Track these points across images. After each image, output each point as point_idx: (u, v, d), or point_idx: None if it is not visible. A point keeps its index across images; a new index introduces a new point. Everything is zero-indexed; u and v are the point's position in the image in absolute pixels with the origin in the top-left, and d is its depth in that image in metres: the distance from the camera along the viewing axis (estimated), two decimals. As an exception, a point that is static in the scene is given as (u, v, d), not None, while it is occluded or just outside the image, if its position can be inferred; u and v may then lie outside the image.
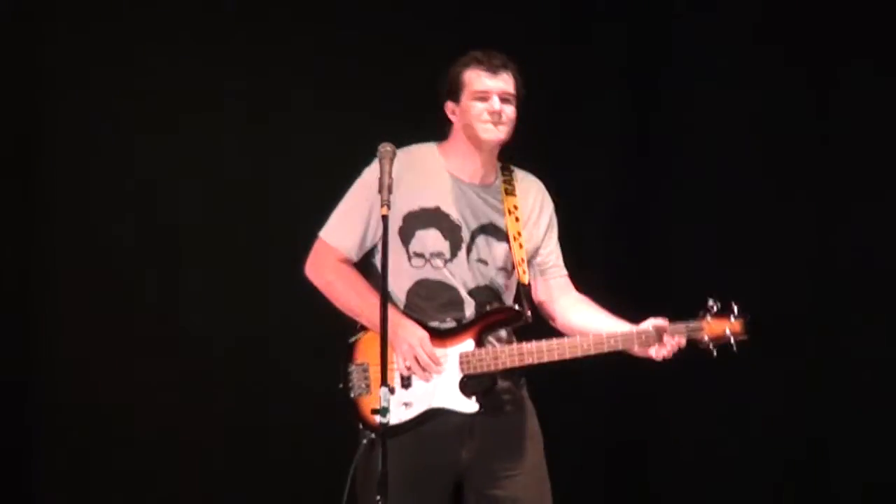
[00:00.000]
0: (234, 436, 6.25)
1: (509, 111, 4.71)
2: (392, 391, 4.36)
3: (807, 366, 6.29)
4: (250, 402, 6.25)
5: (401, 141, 4.59)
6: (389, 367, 4.50)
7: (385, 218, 4.36)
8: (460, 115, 4.75)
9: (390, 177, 4.41)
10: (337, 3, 6.32)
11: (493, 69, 4.70)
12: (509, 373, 4.70)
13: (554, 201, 4.95)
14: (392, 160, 4.45)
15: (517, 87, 4.74)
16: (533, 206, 4.84)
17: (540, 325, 4.77)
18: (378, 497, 4.24)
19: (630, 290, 5.13)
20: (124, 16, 6.19)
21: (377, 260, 4.76)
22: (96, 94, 6.15)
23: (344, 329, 4.81)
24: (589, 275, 4.97)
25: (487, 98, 4.70)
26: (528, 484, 4.72)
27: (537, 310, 4.81)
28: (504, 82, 4.71)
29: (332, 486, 6.14)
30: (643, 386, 6.23)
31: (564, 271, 4.89)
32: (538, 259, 4.85)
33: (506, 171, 4.84)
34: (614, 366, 4.91)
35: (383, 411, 4.23)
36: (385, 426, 4.25)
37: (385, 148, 4.47)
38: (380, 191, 4.39)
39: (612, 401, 6.46)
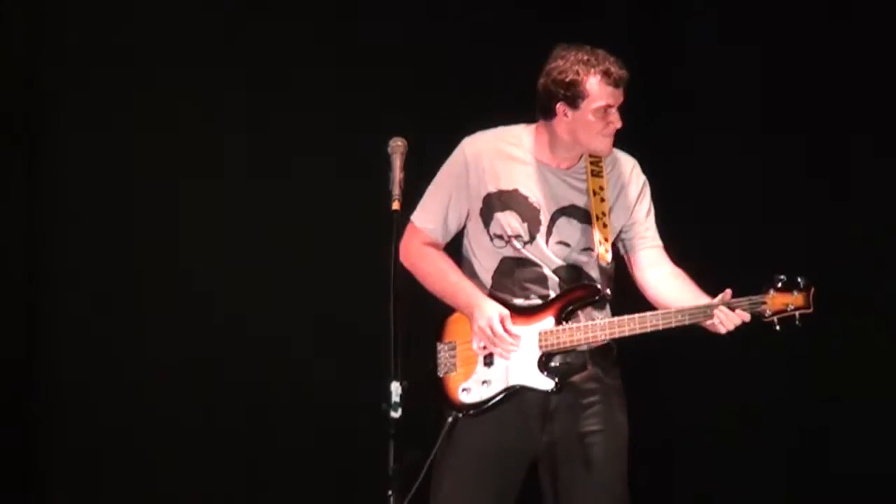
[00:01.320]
0: (235, 436, 6.25)
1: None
2: (463, 375, 4.47)
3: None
4: (252, 402, 6.25)
5: (413, 134, 4.59)
6: (467, 346, 4.66)
7: (396, 213, 4.36)
8: (574, 122, 4.70)
9: (402, 172, 4.41)
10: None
11: (617, 83, 4.68)
12: (600, 359, 4.72)
13: None
14: (403, 155, 4.44)
15: None
16: (619, 181, 4.81)
17: (635, 302, 4.75)
18: (390, 492, 4.22)
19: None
20: (126, 15, 6.20)
21: (466, 242, 4.81)
22: (99, 94, 6.16)
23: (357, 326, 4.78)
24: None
25: (610, 111, 4.69)
26: (599, 477, 4.69)
27: (635, 284, 4.82)
28: (621, 96, 4.70)
29: (333, 487, 6.19)
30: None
31: (657, 241, 4.85)
32: (626, 234, 4.84)
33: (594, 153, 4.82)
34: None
35: (395, 406, 4.21)
36: (396, 421, 4.22)
37: (396, 143, 4.47)
38: (390, 186, 4.39)
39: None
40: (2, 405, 6.10)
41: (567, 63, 4.67)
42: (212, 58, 6.26)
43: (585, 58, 4.66)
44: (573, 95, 4.66)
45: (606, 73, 4.65)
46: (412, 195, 4.65)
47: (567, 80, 4.66)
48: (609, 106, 4.67)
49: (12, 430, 6.11)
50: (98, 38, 6.21)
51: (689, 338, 4.74)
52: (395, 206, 4.36)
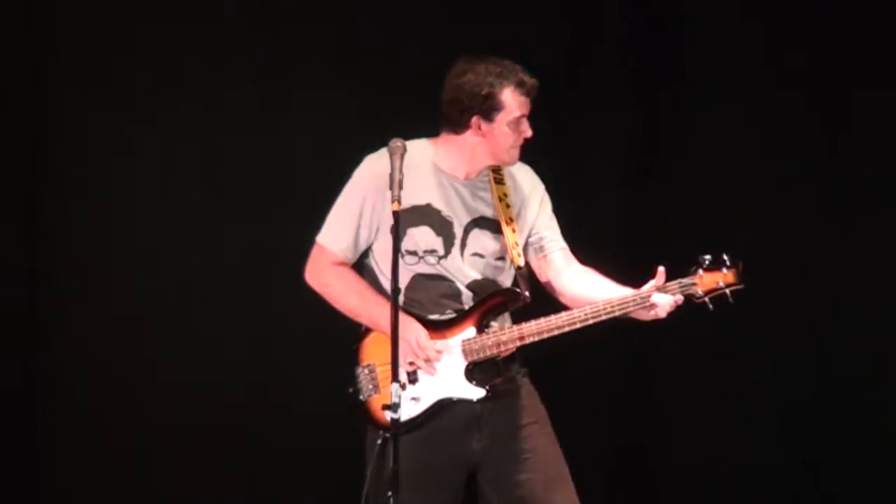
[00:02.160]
0: (236, 436, 6.24)
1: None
2: (403, 387, 4.34)
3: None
4: (253, 403, 6.25)
5: (412, 134, 4.59)
6: (387, 366, 4.49)
7: (396, 214, 4.35)
8: (487, 134, 4.68)
9: (400, 172, 4.39)
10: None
11: (529, 93, 4.67)
12: (509, 363, 4.70)
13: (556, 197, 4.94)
14: (402, 156, 4.43)
15: None
16: (522, 187, 4.80)
17: (547, 306, 4.72)
18: (389, 493, 4.23)
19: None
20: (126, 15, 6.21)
21: (371, 259, 4.76)
22: (100, 94, 6.16)
23: (345, 331, 4.78)
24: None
25: (522, 122, 4.68)
26: (544, 463, 4.69)
27: (544, 290, 4.79)
28: (532, 103, 4.69)
29: (335, 488, 6.18)
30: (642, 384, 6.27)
31: (562, 244, 4.84)
32: (533, 237, 4.81)
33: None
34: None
35: (394, 407, 4.22)
36: (396, 422, 4.24)
37: (395, 143, 4.45)
38: (391, 187, 4.38)
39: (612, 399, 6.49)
40: (2, 406, 6.11)
41: (479, 76, 4.64)
42: (215, 58, 6.26)
43: (498, 69, 4.64)
44: (489, 108, 4.63)
45: (520, 84, 4.64)
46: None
47: (483, 93, 4.62)
48: (522, 116, 4.66)
49: (12, 431, 6.11)
50: (101, 36, 6.21)
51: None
52: (395, 206, 4.35)
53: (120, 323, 6.20)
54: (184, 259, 6.25)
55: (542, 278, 4.82)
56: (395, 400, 4.22)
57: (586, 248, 4.89)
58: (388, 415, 4.23)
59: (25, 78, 6.15)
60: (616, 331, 4.78)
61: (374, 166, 4.68)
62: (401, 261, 4.64)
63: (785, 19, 6.37)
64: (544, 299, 4.76)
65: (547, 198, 4.85)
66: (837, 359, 6.37)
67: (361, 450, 4.69)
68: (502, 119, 4.65)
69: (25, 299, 6.15)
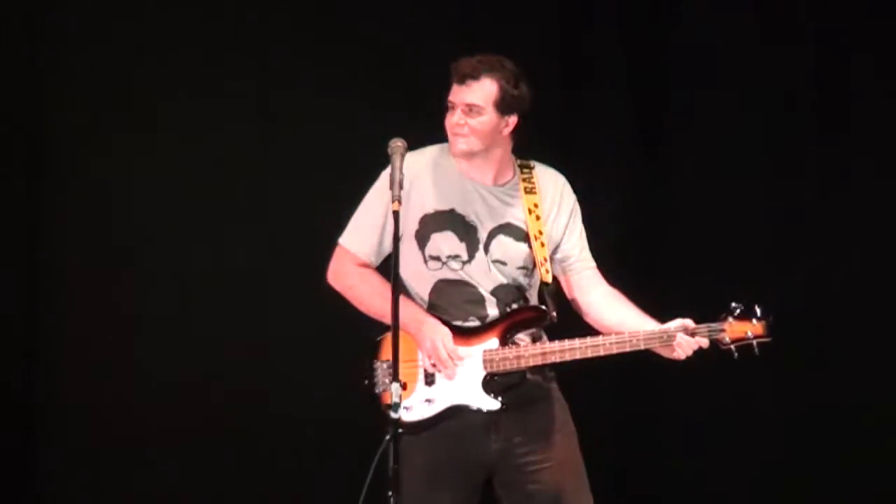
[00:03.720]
0: (236, 437, 6.24)
1: (474, 122, 4.62)
2: (404, 387, 4.33)
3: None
4: (253, 404, 6.25)
5: (411, 139, 4.58)
6: (413, 364, 4.57)
7: (396, 214, 4.35)
8: None
9: (401, 172, 4.39)
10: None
11: (461, 79, 4.63)
12: (537, 367, 4.67)
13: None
14: (403, 155, 4.43)
15: (494, 95, 4.63)
16: (553, 200, 4.76)
17: (572, 321, 4.73)
18: (390, 493, 4.23)
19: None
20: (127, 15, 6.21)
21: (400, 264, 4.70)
22: (101, 95, 6.16)
23: (360, 328, 4.78)
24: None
25: (453, 109, 4.65)
26: (561, 475, 4.67)
27: (570, 306, 4.78)
28: (470, 92, 4.63)
29: (335, 488, 6.17)
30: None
31: (591, 263, 4.81)
32: (560, 255, 4.78)
33: (525, 169, 4.77)
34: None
35: (395, 407, 4.23)
36: (396, 422, 4.24)
37: (396, 143, 4.45)
38: (391, 187, 4.38)
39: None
40: (2, 408, 6.11)
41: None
42: (215, 57, 6.26)
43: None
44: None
45: (454, 70, 4.65)
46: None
47: None
48: (452, 103, 4.65)
49: (12, 431, 6.12)
50: (102, 35, 6.22)
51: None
52: (395, 206, 4.35)
53: (120, 323, 6.20)
54: (184, 259, 6.25)
55: (569, 295, 4.80)
56: (395, 400, 4.23)
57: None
58: (390, 414, 4.24)
59: (25, 77, 6.15)
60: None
61: (406, 171, 4.57)
62: (423, 267, 4.67)
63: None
64: (571, 315, 4.77)
65: (578, 212, 4.81)
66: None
67: (366, 451, 4.68)
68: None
69: (25, 299, 6.15)
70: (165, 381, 6.19)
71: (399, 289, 4.41)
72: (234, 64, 6.28)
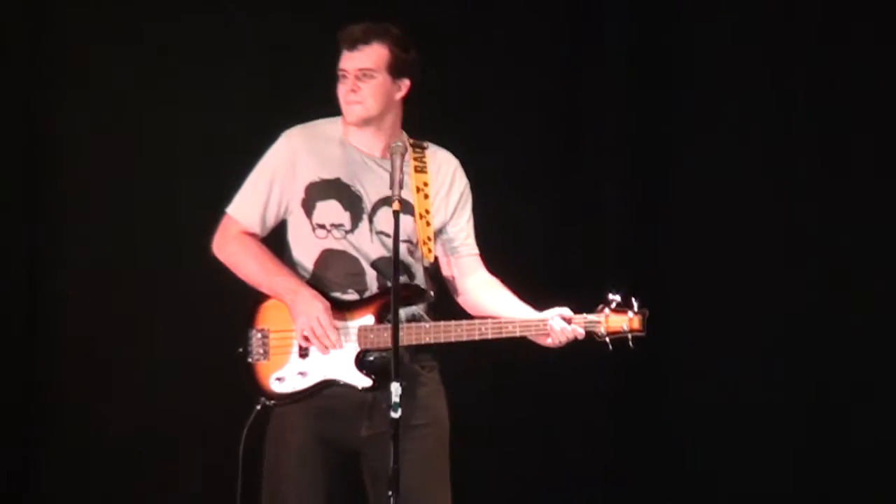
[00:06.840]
0: (236, 437, 6.23)
1: (368, 87, 4.62)
2: (304, 356, 4.36)
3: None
4: (254, 403, 6.23)
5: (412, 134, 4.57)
6: (288, 334, 4.59)
7: (396, 214, 4.36)
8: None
9: (401, 172, 4.41)
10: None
11: (352, 44, 4.63)
12: (418, 356, 4.67)
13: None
14: (403, 155, 4.46)
15: (386, 58, 4.64)
16: (443, 181, 4.75)
17: (458, 306, 4.73)
18: (390, 493, 4.23)
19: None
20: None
21: (286, 233, 4.73)
22: (100, 93, 6.16)
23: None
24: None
25: (346, 77, 4.64)
26: (421, 470, 4.61)
27: (445, 286, 4.78)
28: (363, 56, 4.63)
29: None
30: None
31: (474, 249, 4.80)
32: (446, 235, 4.76)
33: (417, 149, 4.76)
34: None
35: (395, 406, 4.22)
36: (396, 422, 4.23)
37: (395, 143, 4.48)
38: (391, 186, 4.40)
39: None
40: (2, 408, 6.12)
41: None
42: (214, 56, 6.27)
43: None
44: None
45: (343, 38, 4.64)
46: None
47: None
48: (344, 70, 4.64)
49: (12, 431, 6.12)
50: (102, 36, 6.21)
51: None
52: (395, 206, 4.36)
53: (120, 323, 6.20)
54: (184, 259, 6.24)
55: (446, 273, 4.79)
56: (395, 399, 4.22)
57: (585, 248, 4.90)
58: (392, 414, 4.23)
59: (25, 77, 6.16)
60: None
61: (288, 143, 4.70)
62: (311, 235, 4.68)
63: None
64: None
65: (469, 197, 4.81)
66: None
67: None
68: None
69: (25, 299, 6.15)
70: (165, 381, 6.19)
71: (399, 288, 4.41)
72: (237, 66, 6.28)
